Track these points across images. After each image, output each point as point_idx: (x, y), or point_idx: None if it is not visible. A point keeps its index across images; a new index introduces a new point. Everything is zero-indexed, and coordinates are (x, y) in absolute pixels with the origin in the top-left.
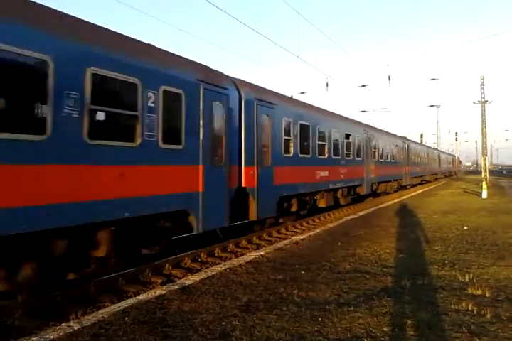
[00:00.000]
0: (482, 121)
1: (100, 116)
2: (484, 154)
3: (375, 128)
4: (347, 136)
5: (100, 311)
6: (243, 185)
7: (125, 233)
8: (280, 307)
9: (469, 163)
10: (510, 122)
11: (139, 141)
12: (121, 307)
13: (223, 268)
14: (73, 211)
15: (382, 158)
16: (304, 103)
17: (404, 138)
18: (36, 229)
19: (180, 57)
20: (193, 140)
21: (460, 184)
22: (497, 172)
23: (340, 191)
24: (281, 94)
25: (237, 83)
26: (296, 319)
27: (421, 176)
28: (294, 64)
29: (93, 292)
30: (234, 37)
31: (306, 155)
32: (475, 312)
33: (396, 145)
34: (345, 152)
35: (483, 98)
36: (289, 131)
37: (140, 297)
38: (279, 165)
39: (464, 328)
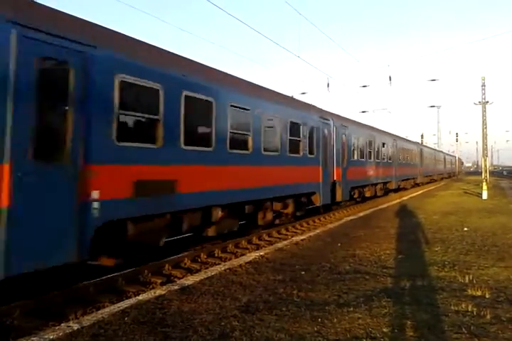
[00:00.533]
0: (483, 122)
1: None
2: (485, 155)
3: (398, 136)
4: (383, 145)
5: (100, 311)
6: (335, 179)
7: (295, 201)
8: (280, 307)
9: (469, 164)
10: (510, 123)
11: (301, 153)
12: (121, 308)
13: (223, 269)
14: (277, 190)
15: (404, 160)
16: (365, 124)
17: (418, 143)
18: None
19: (310, 105)
20: (316, 151)
21: (460, 185)
22: (497, 173)
23: (378, 185)
24: (351, 119)
25: (331, 116)
26: (295, 319)
27: (430, 175)
28: (295, 64)
29: (92, 292)
30: (234, 36)
31: (362, 159)
32: (475, 313)
33: (412, 150)
34: (381, 156)
35: (484, 99)
36: (355, 143)
37: (140, 297)
38: (350, 166)
39: (463, 329)
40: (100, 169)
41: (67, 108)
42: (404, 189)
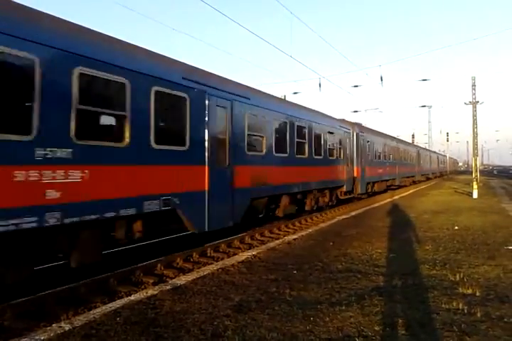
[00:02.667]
0: (473, 121)
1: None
2: (475, 154)
3: (401, 140)
4: (390, 147)
5: (91, 312)
6: (355, 176)
7: (330, 193)
8: (272, 306)
9: (460, 163)
10: (501, 123)
11: (335, 156)
12: (113, 308)
13: (215, 268)
14: (320, 183)
15: (405, 160)
16: (376, 131)
17: (417, 145)
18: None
19: (343, 120)
20: (343, 154)
21: (451, 184)
22: (488, 172)
23: (387, 182)
24: (366, 127)
25: (352, 125)
26: (288, 318)
27: (426, 174)
28: (287, 64)
29: (84, 292)
30: (225, 35)
31: (379, 160)
32: (465, 311)
33: (412, 152)
34: (388, 157)
35: (475, 99)
36: (370, 147)
37: (132, 297)
38: (366, 166)
39: (454, 327)
40: (240, 169)
41: (225, 137)
42: (405, 186)
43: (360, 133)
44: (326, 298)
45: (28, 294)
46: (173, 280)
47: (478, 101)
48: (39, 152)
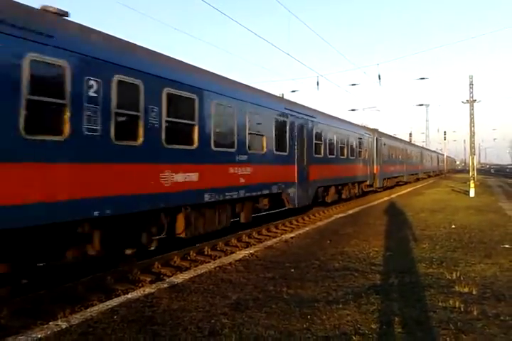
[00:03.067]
0: (471, 120)
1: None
2: (472, 153)
3: (409, 142)
4: (405, 150)
5: (88, 310)
6: (374, 172)
7: (358, 185)
8: (269, 305)
9: (458, 162)
10: (498, 121)
11: (362, 156)
12: (110, 306)
13: (213, 267)
14: (352, 178)
15: (411, 159)
16: (389, 134)
17: (421, 147)
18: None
19: (366, 127)
20: (368, 155)
21: (448, 182)
22: (485, 171)
23: (397, 178)
24: (383, 132)
25: (372, 131)
26: (285, 316)
27: (427, 172)
28: (284, 62)
29: (81, 290)
30: (224, 33)
31: (392, 159)
32: (462, 309)
33: (416, 152)
34: (399, 157)
35: (472, 97)
36: (386, 148)
37: (129, 295)
38: (383, 164)
39: (451, 325)
40: (312, 167)
41: (304, 145)
42: (409, 182)
43: (378, 138)
44: (323, 296)
45: (25, 292)
46: (171, 278)
47: (475, 100)
48: (238, 157)
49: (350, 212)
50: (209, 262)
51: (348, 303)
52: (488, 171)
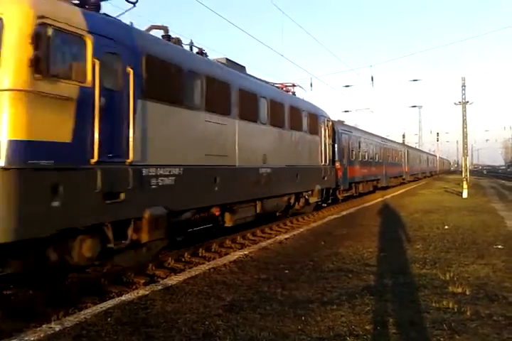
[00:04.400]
0: (463, 121)
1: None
2: (465, 154)
3: (409, 146)
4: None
5: (82, 312)
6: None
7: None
8: (264, 306)
9: (451, 163)
10: (490, 123)
11: (360, 159)
12: (104, 308)
13: (207, 268)
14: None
15: (413, 162)
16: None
17: (420, 150)
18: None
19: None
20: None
21: (441, 183)
22: (478, 172)
23: (399, 178)
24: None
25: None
26: (279, 318)
27: (425, 172)
28: (278, 63)
29: (75, 293)
30: (217, 34)
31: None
32: (455, 309)
33: (417, 155)
34: (404, 160)
35: (464, 99)
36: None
37: (123, 297)
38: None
39: (444, 326)
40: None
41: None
42: (409, 181)
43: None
44: (318, 298)
45: (18, 294)
46: (165, 280)
47: (467, 102)
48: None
49: (344, 213)
50: (203, 263)
51: (343, 304)
52: (480, 172)
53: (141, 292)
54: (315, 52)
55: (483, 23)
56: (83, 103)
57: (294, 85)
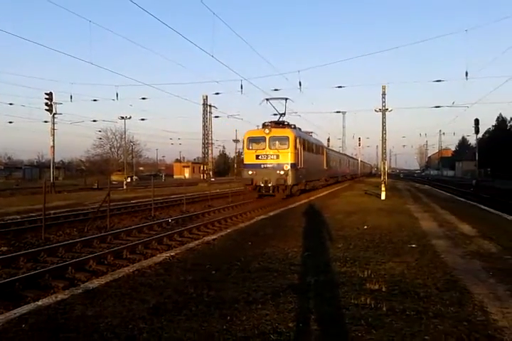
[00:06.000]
0: (383, 127)
1: None
2: (384, 158)
3: (346, 154)
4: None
5: None
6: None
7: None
8: (189, 307)
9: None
10: (407, 129)
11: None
12: (18, 314)
13: (131, 271)
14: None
15: (342, 166)
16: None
17: (348, 155)
18: None
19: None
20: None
21: (362, 186)
22: (395, 175)
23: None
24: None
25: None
26: (205, 318)
27: (352, 175)
28: (208, 63)
29: None
30: (142, 30)
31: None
32: (372, 305)
33: (345, 159)
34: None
35: (384, 106)
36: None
37: (39, 302)
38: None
39: (362, 321)
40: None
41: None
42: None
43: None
44: (243, 297)
45: None
46: (85, 283)
47: (387, 109)
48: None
49: (271, 214)
50: (127, 266)
51: (267, 303)
52: (398, 176)
53: (60, 296)
54: (246, 54)
55: (404, 34)
56: None
57: (311, 132)
